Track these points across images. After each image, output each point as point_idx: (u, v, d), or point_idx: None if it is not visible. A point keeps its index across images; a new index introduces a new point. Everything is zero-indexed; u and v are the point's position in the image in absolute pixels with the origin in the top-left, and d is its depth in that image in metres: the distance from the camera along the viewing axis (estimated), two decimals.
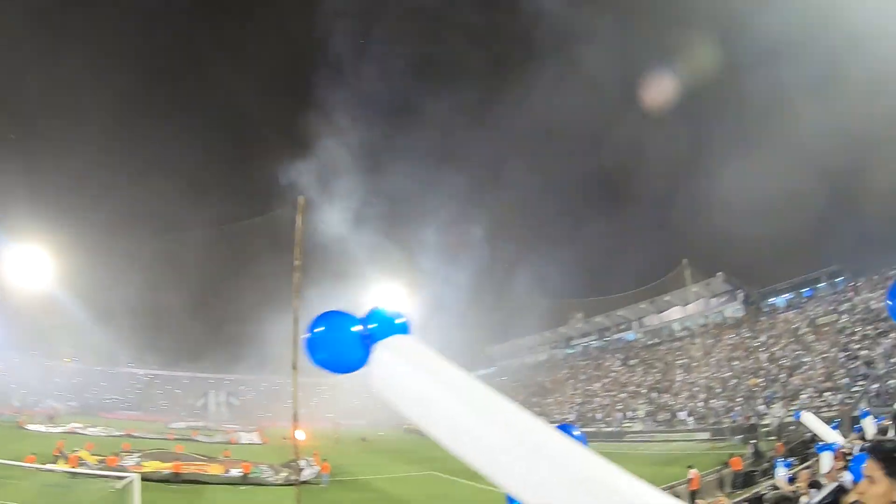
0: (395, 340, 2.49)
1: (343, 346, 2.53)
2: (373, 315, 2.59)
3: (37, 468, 31.85)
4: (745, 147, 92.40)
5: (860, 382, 47.98)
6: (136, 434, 63.02)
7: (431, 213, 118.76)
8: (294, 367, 16.78)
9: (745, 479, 28.57)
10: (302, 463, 41.88)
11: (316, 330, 2.62)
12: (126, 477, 27.25)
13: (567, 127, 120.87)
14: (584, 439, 3.34)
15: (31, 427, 63.04)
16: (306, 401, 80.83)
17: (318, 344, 2.60)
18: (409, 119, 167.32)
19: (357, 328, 2.54)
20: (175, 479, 34.74)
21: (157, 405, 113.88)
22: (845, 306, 61.59)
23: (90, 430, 64.34)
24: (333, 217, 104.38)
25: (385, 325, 2.54)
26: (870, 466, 2.79)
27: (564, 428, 3.18)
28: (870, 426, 15.66)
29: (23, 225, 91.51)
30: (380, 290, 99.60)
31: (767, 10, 71.75)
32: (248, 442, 66.37)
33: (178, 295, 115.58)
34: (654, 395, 71.01)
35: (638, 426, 65.02)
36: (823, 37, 64.38)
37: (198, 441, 62.81)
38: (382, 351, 2.45)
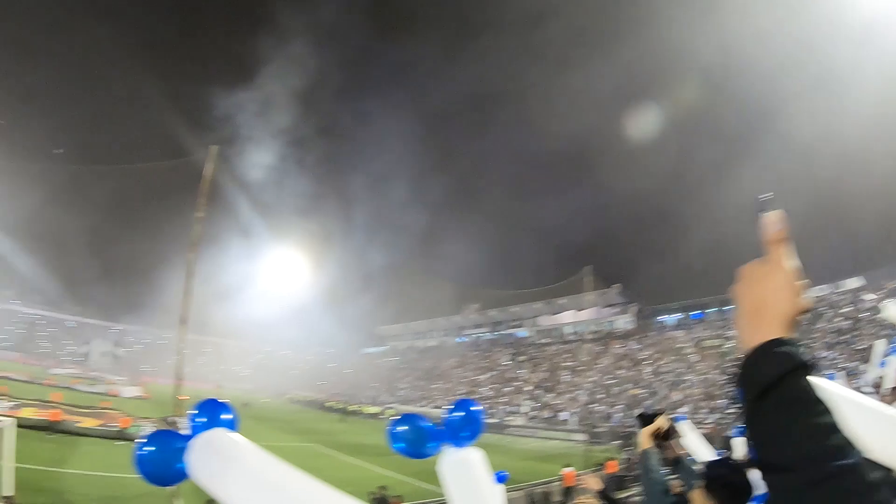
0: (211, 435, 2.69)
1: (168, 463, 2.67)
2: (199, 409, 2.83)
3: None
4: (668, 173, 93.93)
5: (736, 405, 50.09)
6: (13, 377, 60.92)
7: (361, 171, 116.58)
8: (182, 323, 16.67)
9: (617, 483, 29.46)
10: (182, 422, 41.27)
11: (143, 450, 2.74)
12: None
13: (514, 100, 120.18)
14: (481, 417, 3.69)
15: None
16: (192, 359, 79.57)
17: (144, 462, 2.72)
18: (368, 64, 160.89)
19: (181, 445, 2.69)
20: (51, 427, 33.95)
21: (39, 348, 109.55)
22: (731, 332, 63.99)
23: None
24: (255, 166, 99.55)
25: (209, 420, 2.77)
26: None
27: (465, 403, 3.74)
28: (740, 445, 16.47)
29: None
30: (282, 254, 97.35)
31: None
32: (129, 395, 64.95)
33: (75, 232, 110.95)
34: (538, 392, 72.38)
35: (520, 421, 66.25)
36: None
37: (77, 390, 61.06)
38: (197, 447, 2.63)
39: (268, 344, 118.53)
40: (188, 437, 2.69)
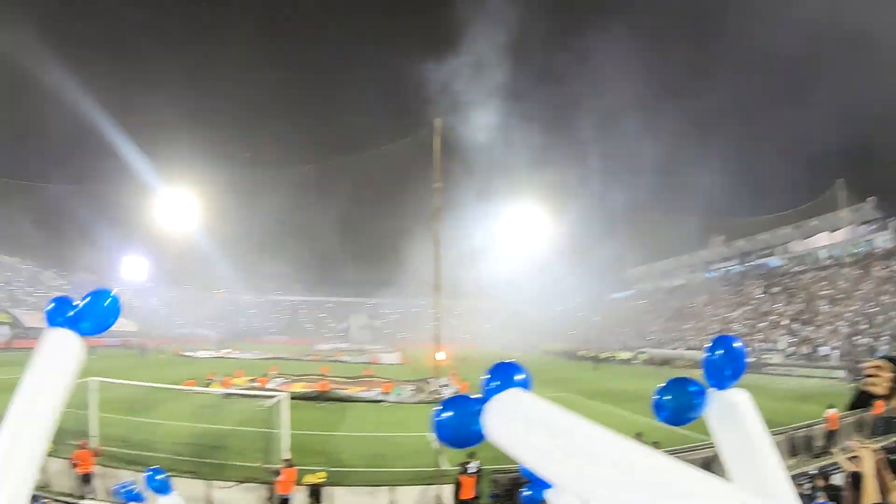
0: (506, 396, 2.64)
1: (465, 427, 2.68)
2: (492, 373, 2.76)
3: (193, 390, 34.35)
4: None
5: None
6: (283, 357, 66.74)
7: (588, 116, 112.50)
8: (436, 289, 17.49)
9: (886, 425, 26.34)
10: (441, 381, 43.34)
11: (441, 416, 2.77)
12: (275, 396, 29.08)
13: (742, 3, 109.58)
14: (743, 353, 3.48)
15: (187, 354, 67.93)
16: (445, 322, 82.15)
17: (443, 427, 2.76)
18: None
19: (474, 409, 2.69)
20: (320, 397, 36.77)
21: (303, 329, 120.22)
22: None
23: (241, 355, 68.97)
24: (479, 130, 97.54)
25: (502, 382, 2.71)
26: None
27: (724, 339, 3.34)
28: None
29: (172, 169, 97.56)
30: (520, 210, 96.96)
31: None
32: (388, 362, 68.81)
33: (321, 224, 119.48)
34: (795, 326, 68.43)
35: (776, 358, 62.51)
36: None
37: (341, 362, 66.17)
38: (493, 408, 2.61)
39: (516, 300, 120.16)
40: (483, 400, 2.69)
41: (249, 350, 77.70)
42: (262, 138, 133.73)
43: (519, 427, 2.41)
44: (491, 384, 2.71)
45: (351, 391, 39.93)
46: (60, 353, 3.41)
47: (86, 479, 17.97)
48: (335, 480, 17.70)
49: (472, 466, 16.83)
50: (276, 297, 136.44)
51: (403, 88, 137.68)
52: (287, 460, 17.14)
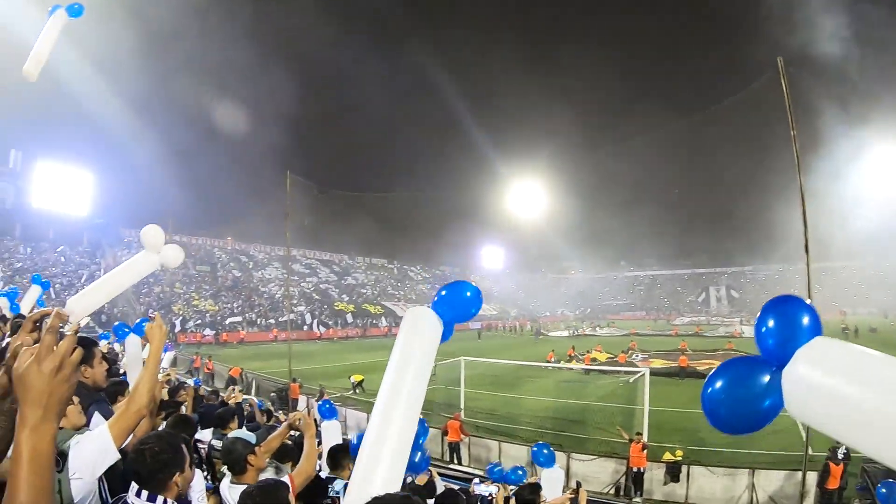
0: (811, 350, 1.94)
1: (756, 401, 2.03)
2: (769, 315, 2.12)
3: (555, 367, 35.78)
4: None
5: None
6: (641, 332, 67.14)
7: None
8: (806, 250, 16.02)
9: None
10: None
11: (712, 388, 2.20)
12: (637, 372, 29.39)
13: None
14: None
15: (547, 333, 70.76)
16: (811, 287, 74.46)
17: (721, 406, 2.17)
18: None
19: (763, 377, 2.05)
20: (681, 373, 36.22)
21: (659, 304, 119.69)
22: None
23: (599, 332, 70.28)
24: (834, 39, 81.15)
25: (789, 331, 2.04)
26: None
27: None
28: None
29: (518, 166, 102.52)
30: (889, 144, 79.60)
31: None
32: (750, 335, 65.56)
33: (665, 197, 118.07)
34: None
35: None
36: None
37: (701, 336, 65.28)
38: (798, 369, 1.92)
39: (887, 258, 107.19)
40: (772, 361, 2.03)
41: (607, 327, 79.09)
42: (605, 113, 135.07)
43: (845, 393, 1.75)
44: (769, 334, 2.09)
45: (713, 366, 38.75)
46: (423, 327, 3.89)
47: (453, 447, 19.71)
48: (693, 459, 17.58)
49: (842, 452, 15.76)
50: (631, 273, 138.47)
51: (742, 23, 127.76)
52: (639, 434, 17.35)
